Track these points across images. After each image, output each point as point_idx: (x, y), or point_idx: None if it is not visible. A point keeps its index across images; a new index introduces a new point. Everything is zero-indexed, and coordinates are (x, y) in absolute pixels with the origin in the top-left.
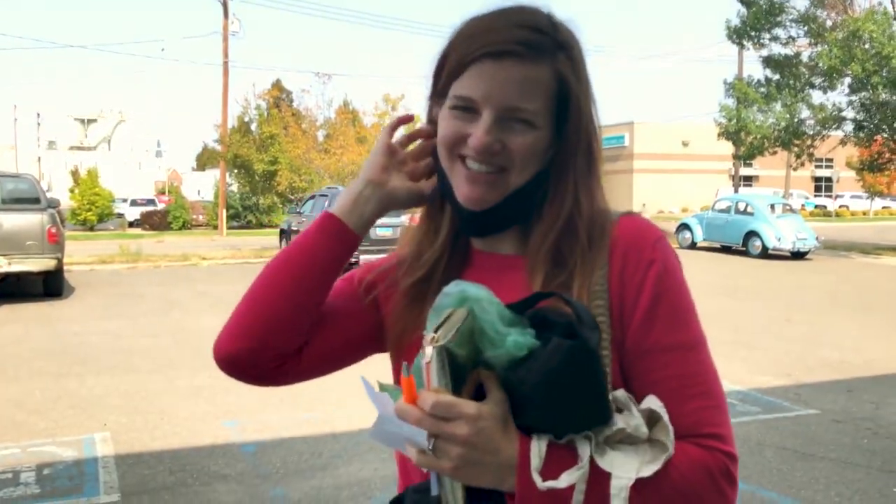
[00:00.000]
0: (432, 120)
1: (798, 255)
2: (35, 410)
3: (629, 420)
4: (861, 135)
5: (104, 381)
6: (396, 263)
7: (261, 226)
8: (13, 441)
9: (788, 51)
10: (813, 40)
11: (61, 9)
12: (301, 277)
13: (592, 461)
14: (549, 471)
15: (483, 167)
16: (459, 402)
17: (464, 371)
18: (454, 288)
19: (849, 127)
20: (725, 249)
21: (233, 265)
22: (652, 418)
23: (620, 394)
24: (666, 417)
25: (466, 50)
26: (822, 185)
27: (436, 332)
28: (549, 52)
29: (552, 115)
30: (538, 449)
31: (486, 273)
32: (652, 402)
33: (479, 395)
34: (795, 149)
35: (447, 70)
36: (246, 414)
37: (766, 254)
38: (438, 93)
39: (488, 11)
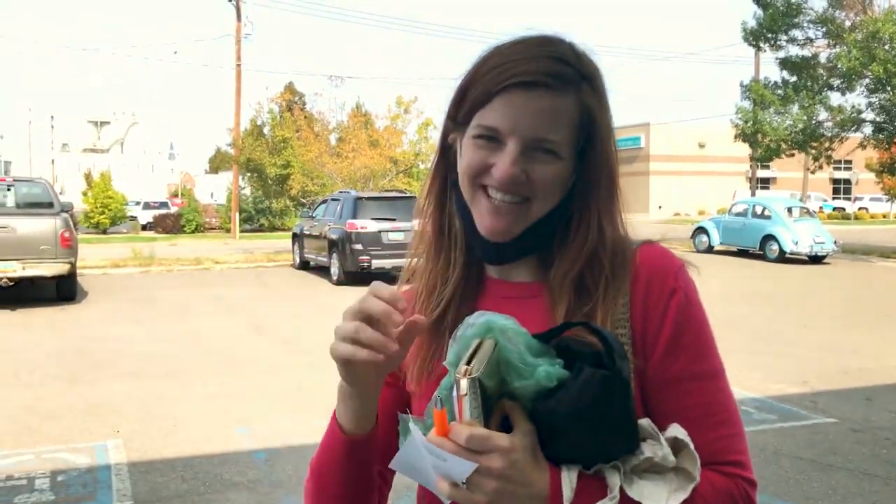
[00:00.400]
0: (448, 144)
1: (816, 260)
2: (49, 416)
3: (656, 449)
4: (881, 136)
5: (117, 387)
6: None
7: (273, 229)
8: (28, 447)
9: (806, 52)
10: (831, 41)
11: (75, 13)
12: (345, 497)
13: (622, 491)
14: (581, 501)
15: (507, 197)
16: (493, 434)
17: (489, 402)
18: (478, 318)
19: (868, 129)
20: (742, 253)
21: (245, 269)
22: (676, 446)
23: (646, 423)
24: (692, 446)
25: (494, 80)
26: (841, 188)
27: (468, 363)
28: (574, 82)
29: (575, 145)
30: (569, 480)
31: (501, 301)
32: (676, 430)
33: (504, 426)
34: (813, 151)
35: (471, 99)
36: (258, 420)
37: (783, 258)
38: (459, 121)
39: (511, 42)
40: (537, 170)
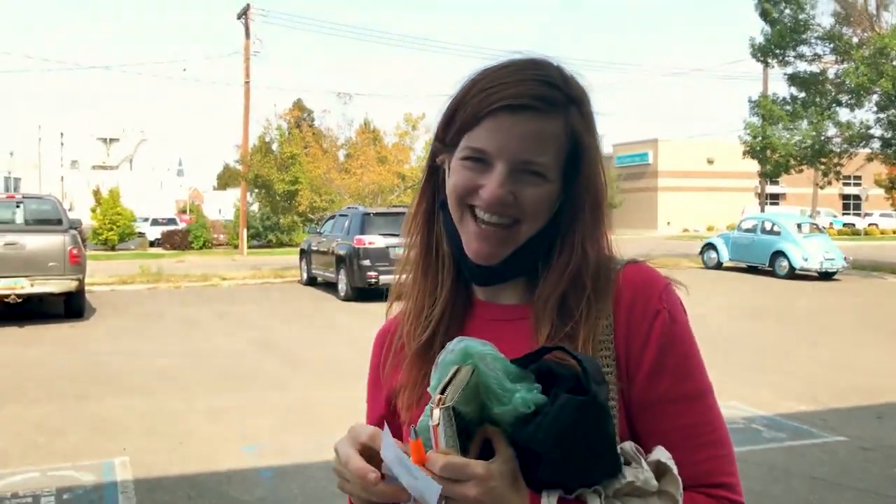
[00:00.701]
0: (436, 166)
1: (826, 276)
2: (56, 433)
3: (638, 473)
4: (889, 152)
5: (124, 404)
6: (395, 329)
7: (281, 245)
8: (34, 465)
9: (814, 68)
10: (839, 58)
11: (85, 30)
12: None
13: None
14: None
15: (494, 218)
16: (469, 462)
17: (470, 427)
18: (457, 344)
19: (876, 144)
20: (752, 269)
21: (253, 285)
22: (660, 470)
23: (628, 446)
24: (675, 469)
25: (482, 103)
26: (851, 203)
27: (442, 392)
28: (562, 106)
29: (562, 168)
30: None
31: (489, 324)
32: (660, 453)
33: (486, 450)
34: (822, 167)
35: (460, 121)
36: (265, 437)
37: (792, 274)
38: (448, 143)
39: (500, 65)
40: (525, 192)
